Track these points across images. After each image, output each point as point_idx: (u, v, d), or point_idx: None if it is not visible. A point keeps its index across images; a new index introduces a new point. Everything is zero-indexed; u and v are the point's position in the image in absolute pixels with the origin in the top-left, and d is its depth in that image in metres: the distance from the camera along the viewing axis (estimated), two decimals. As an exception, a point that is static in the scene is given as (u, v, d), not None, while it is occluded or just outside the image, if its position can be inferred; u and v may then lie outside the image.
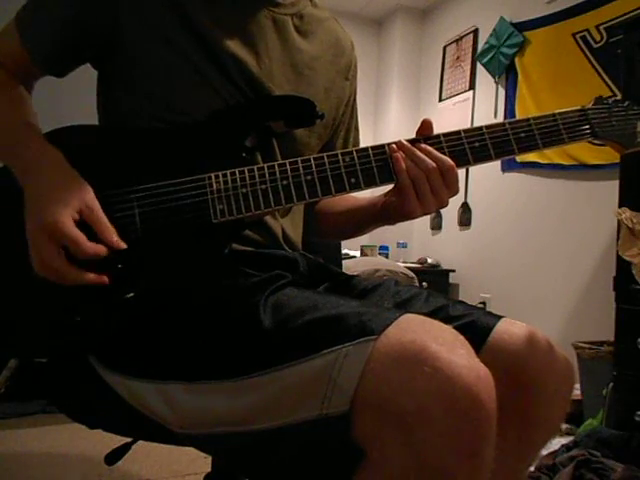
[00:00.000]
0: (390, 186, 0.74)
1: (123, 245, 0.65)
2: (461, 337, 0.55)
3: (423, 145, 0.71)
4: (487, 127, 0.72)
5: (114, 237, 0.64)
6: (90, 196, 0.66)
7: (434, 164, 0.69)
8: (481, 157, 0.71)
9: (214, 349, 0.61)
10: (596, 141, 0.77)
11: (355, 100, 1.00)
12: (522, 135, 0.72)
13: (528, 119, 0.72)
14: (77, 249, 0.62)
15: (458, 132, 0.72)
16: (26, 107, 0.79)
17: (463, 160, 0.71)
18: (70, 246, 0.62)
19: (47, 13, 0.76)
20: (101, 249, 0.63)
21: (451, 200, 0.73)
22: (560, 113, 0.73)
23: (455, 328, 0.57)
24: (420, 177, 0.70)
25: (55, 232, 0.62)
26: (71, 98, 2.20)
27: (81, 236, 0.62)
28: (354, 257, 3.07)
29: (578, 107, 0.75)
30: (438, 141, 0.71)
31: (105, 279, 0.63)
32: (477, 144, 0.71)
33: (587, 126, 0.74)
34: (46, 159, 0.69)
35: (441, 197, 0.71)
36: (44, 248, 0.62)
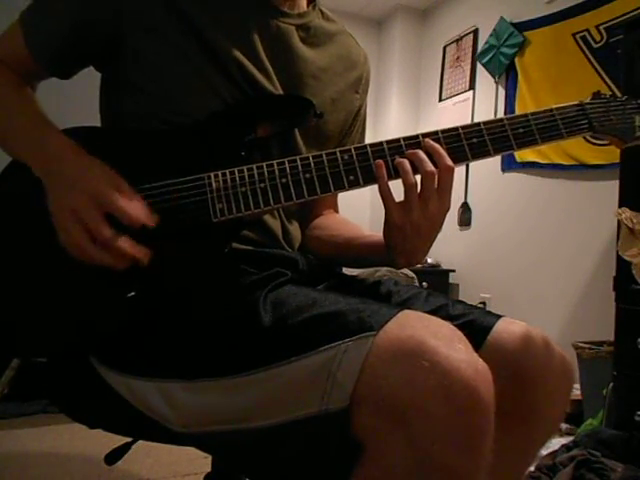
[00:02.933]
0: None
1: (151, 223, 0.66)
2: (459, 332, 0.56)
3: (428, 141, 0.69)
4: (485, 123, 0.71)
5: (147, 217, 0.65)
6: (117, 177, 0.67)
7: (432, 167, 0.67)
8: (479, 153, 0.71)
9: (213, 346, 0.61)
10: (596, 136, 0.76)
11: (365, 114, 0.98)
12: (520, 131, 0.71)
13: (526, 114, 0.72)
14: (126, 210, 0.63)
15: (456, 128, 0.71)
16: (38, 105, 0.79)
17: (461, 156, 0.71)
18: (119, 211, 0.63)
19: (51, 14, 0.77)
20: (148, 219, 0.65)
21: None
22: (558, 108, 0.73)
23: (455, 327, 0.57)
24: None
25: (102, 196, 0.63)
26: (72, 100, 2.20)
27: (129, 203, 0.64)
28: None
29: (576, 102, 0.74)
30: (436, 137, 0.71)
31: (122, 265, 0.64)
32: (475, 140, 0.71)
33: (585, 121, 0.74)
34: (70, 148, 0.69)
35: (427, 203, 0.67)
36: (90, 217, 0.63)
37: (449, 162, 0.68)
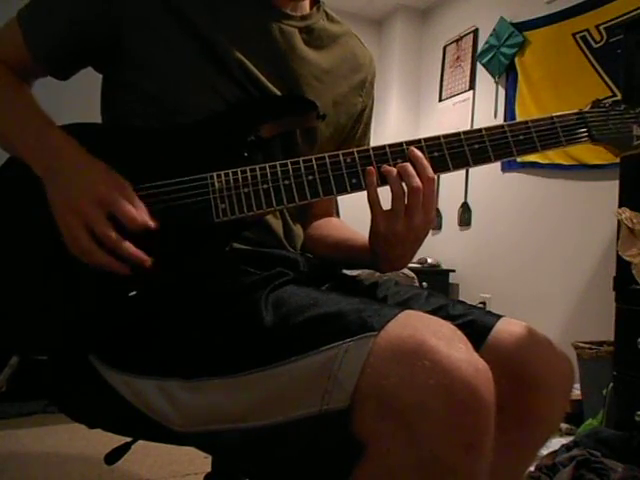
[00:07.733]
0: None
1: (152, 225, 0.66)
2: (459, 332, 0.56)
3: (414, 151, 0.70)
4: (486, 129, 0.72)
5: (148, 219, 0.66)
6: (120, 178, 0.67)
7: (419, 183, 0.68)
8: (480, 159, 0.72)
9: (214, 345, 0.61)
10: (593, 144, 0.77)
11: (370, 117, 0.98)
12: (521, 137, 0.72)
13: (527, 122, 0.73)
14: (130, 214, 0.64)
15: (458, 134, 0.72)
16: (37, 103, 0.78)
17: (463, 161, 0.71)
18: (123, 214, 0.64)
19: (51, 14, 0.77)
20: (151, 222, 0.65)
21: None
22: (558, 116, 0.74)
23: (455, 327, 0.57)
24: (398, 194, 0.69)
25: (107, 199, 0.64)
26: (72, 98, 2.20)
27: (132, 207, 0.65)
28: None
29: (576, 110, 0.75)
30: (438, 142, 0.71)
31: (126, 270, 0.64)
32: (477, 146, 0.71)
33: (584, 129, 0.74)
34: (72, 147, 0.70)
35: (412, 216, 0.68)
36: (96, 221, 0.63)
37: (431, 174, 0.69)
